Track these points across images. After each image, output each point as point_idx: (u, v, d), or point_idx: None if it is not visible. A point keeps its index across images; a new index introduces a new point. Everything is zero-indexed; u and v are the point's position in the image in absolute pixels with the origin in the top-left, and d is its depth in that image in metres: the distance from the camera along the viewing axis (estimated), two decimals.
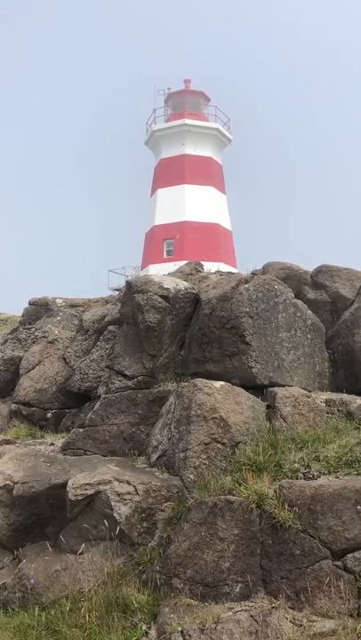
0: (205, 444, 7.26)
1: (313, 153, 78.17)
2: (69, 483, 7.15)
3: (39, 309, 12.58)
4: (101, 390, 9.29)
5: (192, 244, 26.72)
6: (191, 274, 10.92)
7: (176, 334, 9.08)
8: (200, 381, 7.74)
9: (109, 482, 6.98)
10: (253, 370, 8.34)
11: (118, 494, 6.87)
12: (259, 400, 8.04)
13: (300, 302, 9.32)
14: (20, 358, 11.32)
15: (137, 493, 6.89)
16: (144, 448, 8.20)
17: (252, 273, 10.37)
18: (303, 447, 7.35)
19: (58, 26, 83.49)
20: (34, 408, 10.50)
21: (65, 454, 8.42)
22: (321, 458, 7.05)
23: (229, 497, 6.54)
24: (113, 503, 6.82)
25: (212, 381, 7.82)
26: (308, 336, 9.12)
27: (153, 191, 29.84)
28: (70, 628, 6.04)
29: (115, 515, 6.79)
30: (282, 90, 78.92)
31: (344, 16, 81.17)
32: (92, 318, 10.83)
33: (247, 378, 8.37)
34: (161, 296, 8.82)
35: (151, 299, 8.77)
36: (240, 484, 6.64)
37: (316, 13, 79.33)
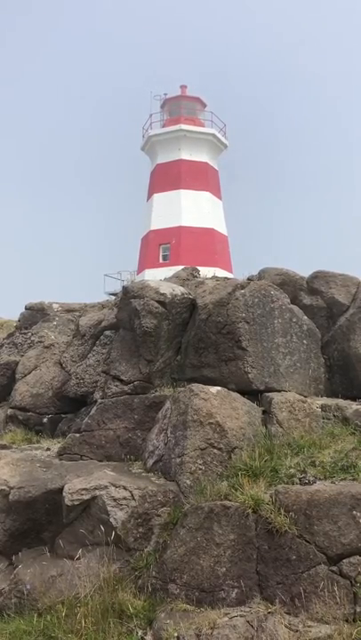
0: (202, 450, 7.28)
1: (309, 158, 78.57)
2: (66, 488, 7.15)
3: (35, 314, 12.58)
4: (98, 395, 9.29)
5: (188, 249, 26.76)
6: (187, 279, 10.96)
7: (172, 339, 9.11)
8: (196, 386, 7.76)
9: (106, 487, 6.99)
10: (250, 375, 8.36)
11: (114, 499, 6.87)
12: (255, 405, 8.07)
13: (295, 308, 9.35)
14: (17, 363, 11.31)
15: (133, 498, 6.90)
16: (140, 453, 8.21)
17: (248, 278, 10.39)
18: (299, 452, 7.38)
19: (55, 31, 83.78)
20: (30, 413, 10.49)
21: (61, 459, 8.42)
22: (317, 463, 7.08)
23: (226, 502, 6.55)
24: (109, 508, 6.82)
25: (209, 386, 7.84)
26: (304, 341, 9.16)
27: (149, 196, 29.89)
28: (66, 634, 6.03)
29: (111, 520, 6.79)
30: (278, 96, 79.34)
31: (344, 21, 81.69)
32: (88, 323, 10.83)
33: (243, 383, 8.39)
34: (157, 301, 8.84)
35: (148, 304, 8.79)
36: (236, 490, 6.65)
37: (315, 19, 79.82)
